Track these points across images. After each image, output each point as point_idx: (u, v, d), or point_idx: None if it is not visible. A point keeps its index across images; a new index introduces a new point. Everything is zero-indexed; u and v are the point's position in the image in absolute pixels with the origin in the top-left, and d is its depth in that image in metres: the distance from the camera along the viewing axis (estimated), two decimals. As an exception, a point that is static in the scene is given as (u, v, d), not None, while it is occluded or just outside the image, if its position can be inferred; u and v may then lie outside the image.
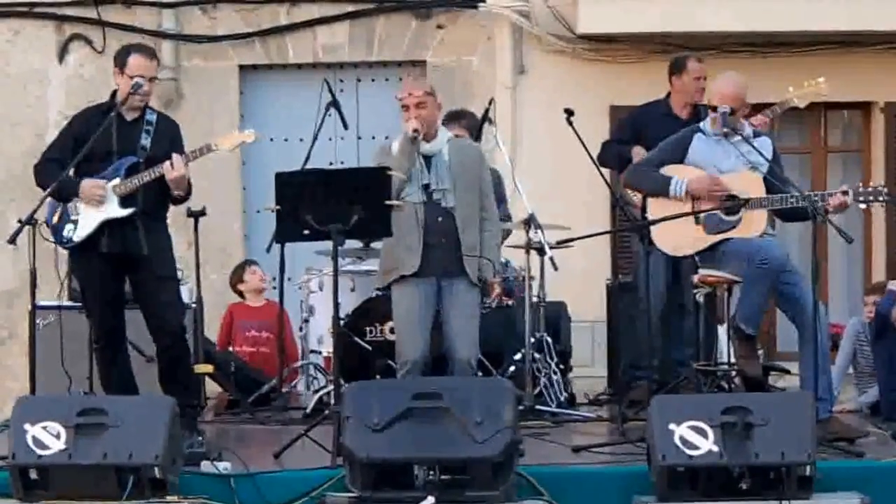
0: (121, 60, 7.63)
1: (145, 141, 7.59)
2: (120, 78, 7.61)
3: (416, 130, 7.51)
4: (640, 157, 8.34)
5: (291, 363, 9.18)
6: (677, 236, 7.53)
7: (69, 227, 7.59)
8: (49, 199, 7.60)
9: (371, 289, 8.60)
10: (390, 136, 8.39)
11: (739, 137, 7.46)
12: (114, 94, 7.71)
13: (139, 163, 7.57)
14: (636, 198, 8.56)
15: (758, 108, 8.52)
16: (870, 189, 7.38)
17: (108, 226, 7.56)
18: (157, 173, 7.50)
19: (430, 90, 7.72)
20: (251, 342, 9.32)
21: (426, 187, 7.58)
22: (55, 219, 7.67)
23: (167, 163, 7.46)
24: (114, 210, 7.55)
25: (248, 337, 9.34)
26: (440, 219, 7.58)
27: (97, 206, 7.52)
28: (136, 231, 7.56)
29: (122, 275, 7.65)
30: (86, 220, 7.57)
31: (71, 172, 7.55)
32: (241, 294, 9.65)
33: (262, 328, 9.33)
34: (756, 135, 7.61)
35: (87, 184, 7.50)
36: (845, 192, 7.34)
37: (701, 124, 7.66)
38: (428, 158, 7.64)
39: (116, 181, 7.56)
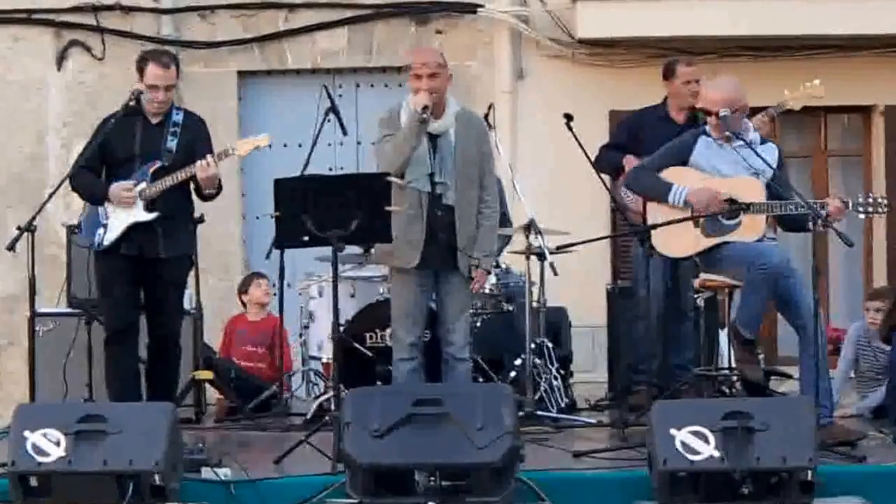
0: (139, 67, 7.80)
1: (171, 143, 7.70)
2: (140, 84, 7.76)
3: (425, 108, 7.36)
4: (631, 166, 8.34)
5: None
6: (677, 238, 7.53)
7: (100, 230, 7.66)
8: (85, 203, 7.74)
9: (371, 295, 8.58)
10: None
11: (742, 142, 7.45)
12: (139, 96, 7.76)
13: (164, 166, 7.63)
14: (632, 203, 8.56)
15: (755, 112, 8.52)
16: (869, 199, 7.39)
17: (130, 229, 7.62)
18: (187, 174, 7.58)
19: (443, 61, 7.57)
20: (247, 357, 9.27)
21: (431, 177, 7.51)
22: (86, 221, 7.73)
23: (200, 162, 7.54)
24: (140, 214, 7.65)
25: (244, 351, 9.29)
26: (440, 213, 7.54)
27: (127, 209, 7.59)
28: (154, 235, 7.67)
29: (139, 277, 7.73)
30: (114, 223, 7.65)
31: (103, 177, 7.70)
32: (244, 304, 9.63)
33: (259, 344, 9.29)
34: (763, 142, 7.61)
35: (115, 187, 7.60)
36: (844, 201, 7.34)
37: (706, 127, 7.64)
38: (434, 139, 7.54)
39: (143, 185, 7.62)
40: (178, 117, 7.78)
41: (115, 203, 7.64)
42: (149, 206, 7.65)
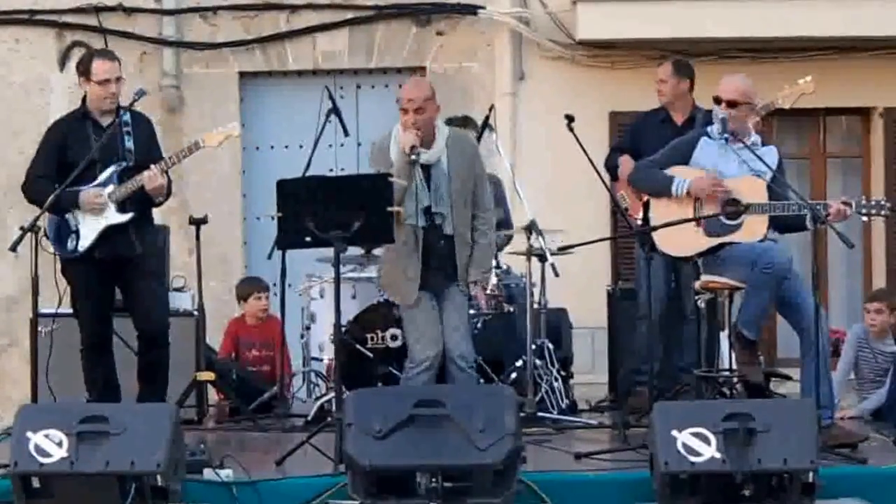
0: (84, 68, 7.73)
1: (129, 143, 7.69)
2: (87, 85, 7.71)
3: (413, 147, 7.38)
4: (626, 166, 8.36)
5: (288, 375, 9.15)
6: (678, 238, 7.54)
7: (71, 237, 7.64)
8: (47, 213, 7.65)
9: (372, 296, 8.59)
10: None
11: (742, 144, 7.47)
12: (84, 100, 7.74)
13: (129, 166, 7.64)
14: (626, 204, 8.57)
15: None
16: (872, 202, 7.40)
17: (103, 233, 7.63)
18: (138, 184, 7.58)
19: (431, 94, 7.56)
20: (253, 361, 9.27)
21: (427, 210, 7.51)
22: (56, 231, 7.70)
23: (146, 174, 7.55)
24: (113, 216, 7.65)
25: (251, 356, 9.30)
26: (441, 242, 7.54)
27: (98, 214, 7.58)
28: (127, 235, 7.70)
29: (112, 280, 7.75)
30: (87, 229, 7.64)
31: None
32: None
33: (264, 348, 9.31)
34: (763, 144, 7.63)
35: (86, 194, 7.58)
36: (846, 203, 7.35)
37: (708, 129, 7.66)
38: (427, 168, 7.53)
39: (111, 188, 7.62)
40: (126, 117, 7.72)
41: (85, 210, 7.61)
42: (121, 208, 7.65)
